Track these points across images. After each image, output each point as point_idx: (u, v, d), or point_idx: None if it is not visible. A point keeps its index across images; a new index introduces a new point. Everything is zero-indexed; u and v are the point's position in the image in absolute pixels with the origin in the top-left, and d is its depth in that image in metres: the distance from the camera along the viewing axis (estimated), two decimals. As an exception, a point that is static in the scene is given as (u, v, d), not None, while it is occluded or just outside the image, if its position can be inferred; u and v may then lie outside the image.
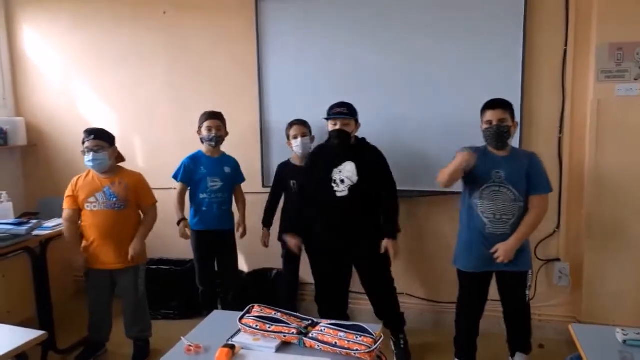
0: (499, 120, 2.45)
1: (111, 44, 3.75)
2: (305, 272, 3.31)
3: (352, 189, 2.72)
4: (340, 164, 2.74)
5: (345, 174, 2.73)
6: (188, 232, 3.13)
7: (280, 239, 3.23)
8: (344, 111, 2.71)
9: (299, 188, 2.97)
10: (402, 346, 2.92)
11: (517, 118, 2.93)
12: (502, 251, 2.46)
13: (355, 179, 2.72)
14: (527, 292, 2.59)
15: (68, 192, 2.81)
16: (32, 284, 2.89)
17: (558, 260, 3.11)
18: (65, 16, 3.82)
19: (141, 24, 3.66)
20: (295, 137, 3.08)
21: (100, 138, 2.75)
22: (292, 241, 2.87)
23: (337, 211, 2.76)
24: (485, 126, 2.50)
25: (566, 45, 2.93)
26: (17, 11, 3.92)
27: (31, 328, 2.04)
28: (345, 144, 2.73)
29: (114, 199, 2.76)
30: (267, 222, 3.24)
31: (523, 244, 2.52)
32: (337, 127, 2.70)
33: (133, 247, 2.80)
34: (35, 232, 2.85)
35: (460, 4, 3.01)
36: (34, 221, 2.90)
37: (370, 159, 2.77)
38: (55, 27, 3.87)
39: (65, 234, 2.83)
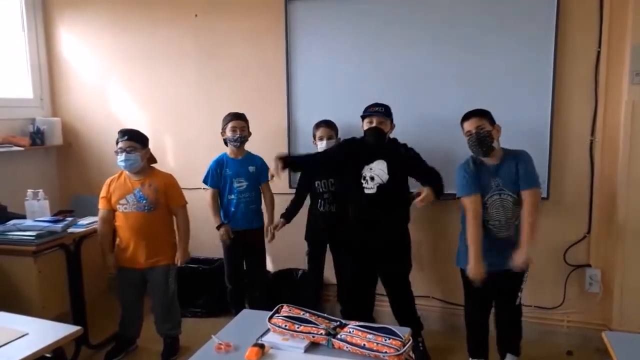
0: (476, 127, 2.50)
1: (144, 46, 3.84)
2: (330, 272, 3.34)
3: (381, 187, 2.73)
4: (371, 161, 2.75)
5: (376, 171, 2.74)
6: (230, 234, 3.17)
7: (306, 238, 3.27)
8: (380, 110, 2.75)
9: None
10: (421, 348, 2.91)
11: (547, 120, 2.93)
12: (520, 263, 2.44)
13: (385, 177, 2.73)
14: (520, 294, 2.60)
15: (102, 193, 2.90)
16: (67, 280, 2.97)
17: (588, 266, 3.05)
18: (100, 19, 3.92)
19: (173, 26, 3.73)
20: (322, 139, 3.11)
21: (134, 139, 2.81)
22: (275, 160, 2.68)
23: (364, 208, 2.78)
24: (466, 137, 2.55)
25: (599, 46, 2.87)
26: (55, 15, 4.04)
27: (65, 323, 2.11)
28: (381, 140, 2.74)
29: (144, 201, 2.83)
30: (286, 216, 3.19)
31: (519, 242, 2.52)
32: (373, 124, 2.72)
33: (179, 257, 2.93)
34: (70, 230, 2.94)
35: (491, 3, 2.98)
36: (69, 219, 2.99)
37: (402, 157, 2.78)
38: (91, 29, 3.97)
39: (98, 233, 2.93)
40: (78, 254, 3.00)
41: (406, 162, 2.78)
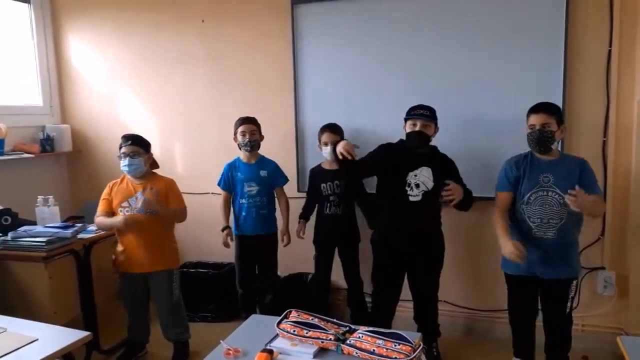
0: (542, 125, 2.42)
1: (152, 52, 3.86)
2: (339, 276, 3.32)
3: (426, 194, 2.68)
4: (416, 167, 2.70)
5: (421, 178, 2.69)
6: (230, 241, 3.19)
7: (314, 242, 3.26)
8: (425, 113, 2.67)
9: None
10: (435, 354, 2.88)
11: (559, 121, 2.89)
12: (577, 197, 2.24)
13: (430, 185, 2.68)
14: (569, 303, 2.51)
15: (104, 195, 2.91)
16: (77, 285, 2.99)
17: (603, 268, 3.00)
18: (108, 25, 3.95)
19: (181, 32, 3.75)
20: (327, 144, 3.08)
21: (137, 144, 2.83)
22: (342, 145, 2.58)
23: (408, 215, 2.72)
24: (528, 130, 2.47)
25: (611, 45, 2.83)
26: (63, 22, 4.08)
27: (76, 328, 2.10)
28: (423, 145, 2.69)
29: None
30: (303, 215, 3.26)
31: (569, 249, 2.48)
32: (417, 128, 2.66)
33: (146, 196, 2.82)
34: (80, 235, 2.95)
35: (501, 5, 2.96)
36: (79, 225, 3.00)
37: (445, 166, 2.73)
38: (100, 36, 4.00)
39: (100, 227, 2.95)
40: (88, 259, 3.02)
41: (448, 172, 2.72)
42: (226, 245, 3.22)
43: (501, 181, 2.57)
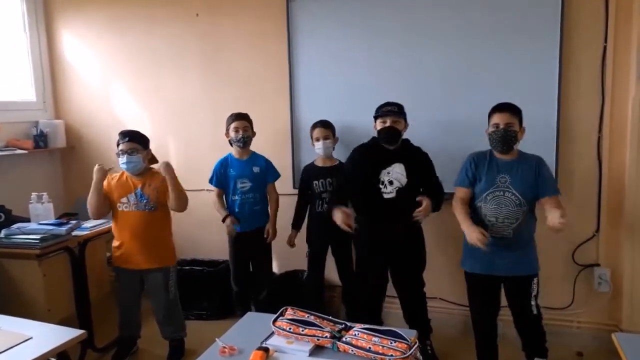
0: (506, 124, 2.43)
1: (146, 47, 3.83)
2: (332, 273, 3.31)
3: (400, 190, 2.69)
4: (388, 165, 2.71)
5: (394, 175, 2.70)
6: (234, 227, 3.15)
7: (307, 240, 3.25)
8: (394, 109, 2.70)
9: (339, 186, 2.93)
10: (429, 351, 2.89)
11: (554, 117, 2.89)
12: (556, 221, 2.28)
13: (404, 180, 2.70)
14: (533, 301, 2.52)
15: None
16: (71, 283, 2.97)
17: (597, 265, 3.01)
18: (101, 20, 3.92)
19: (175, 26, 3.72)
20: (318, 140, 3.09)
21: (135, 140, 2.81)
22: (339, 215, 2.57)
23: (384, 213, 2.73)
24: (491, 129, 2.48)
25: (606, 41, 2.83)
26: (56, 16, 4.04)
27: (70, 326, 2.09)
28: (396, 140, 2.71)
29: (145, 201, 2.82)
30: (295, 225, 3.26)
31: (526, 247, 2.50)
32: (387, 124, 2.68)
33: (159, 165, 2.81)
34: (74, 233, 2.94)
35: (495, 1, 2.95)
36: (73, 222, 2.98)
37: (418, 160, 2.76)
38: (93, 31, 3.97)
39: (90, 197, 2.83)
40: (82, 257, 3.00)
41: (422, 165, 2.76)
42: (231, 233, 3.17)
43: (460, 176, 2.59)
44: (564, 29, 2.85)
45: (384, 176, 2.71)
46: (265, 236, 3.21)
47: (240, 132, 3.12)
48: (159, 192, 2.84)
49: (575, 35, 2.87)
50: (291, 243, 3.27)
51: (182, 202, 2.84)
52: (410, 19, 3.13)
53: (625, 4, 2.78)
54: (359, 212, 2.83)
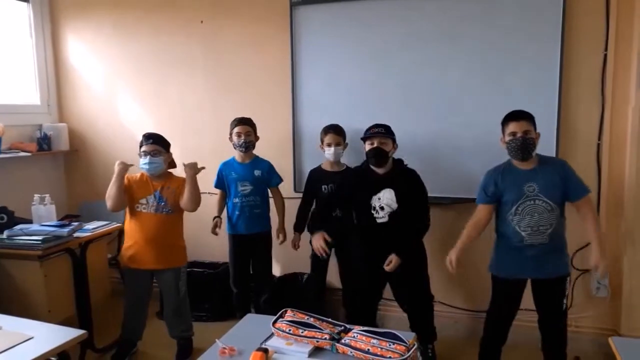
0: (524, 132, 2.42)
1: (150, 52, 3.87)
2: (334, 276, 3.32)
3: (392, 215, 2.72)
4: (378, 191, 2.73)
5: (385, 201, 2.72)
6: (217, 230, 3.20)
7: (311, 242, 3.25)
8: (381, 131, 2.71)
9: (339, 197, 2.96)
10: (430, 355, 2.89)
11: (554, 124, 2.91)
12: (602, 267, 2.43)
13: (394, 205, 2.72)
14: (565, 300, 2.54)
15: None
16: (72, 284, 2.98)
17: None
18: (107, 26, 3.96)
19: (179, 32, 3.76)
20: (329, 145, 3.10)
21: (158, 143, 2.87)
22: (317, 242, 2.74)
23: (378, 237, 2.76)
24: (508, 138, 2.47)
25: (606, 49, 2.86)
26: (62, 22, 4.08)
27: (71, 327, 2.11)
28: (384, 161, 2.72)
29: (162, 203, 2.86)
30: (298, 227, 3.26)
31: (561, 252, 2.53)
32: (375, 145, 2.70)
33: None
34: (76, 234, 2.95)
35: (496, 9, 2.98)
36: (75, 223, 3.00)
37: (409, 184, 2.76)
38: (98, 36, 4.00)
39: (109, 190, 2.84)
40: (84, 258, 3.01)
41: (412, 189, 2.76)
42: (214, 232, 3.22)
43: (480, 194, 2.60)
44: (565, 38, 2.87)
45: (375, 202, 2.74)
46: (278, 238, 3.25)
47: (243, 137, 3.14)
48: (177, 195, 2.88)
49: (576, 43, 2.89)
50: (295, 245, 3.28)
51: (196, 203, 2.88)
52: (412, 26, 3.15)
53: (626, 13, 2.80)
54: (355, 232, 2.88)
